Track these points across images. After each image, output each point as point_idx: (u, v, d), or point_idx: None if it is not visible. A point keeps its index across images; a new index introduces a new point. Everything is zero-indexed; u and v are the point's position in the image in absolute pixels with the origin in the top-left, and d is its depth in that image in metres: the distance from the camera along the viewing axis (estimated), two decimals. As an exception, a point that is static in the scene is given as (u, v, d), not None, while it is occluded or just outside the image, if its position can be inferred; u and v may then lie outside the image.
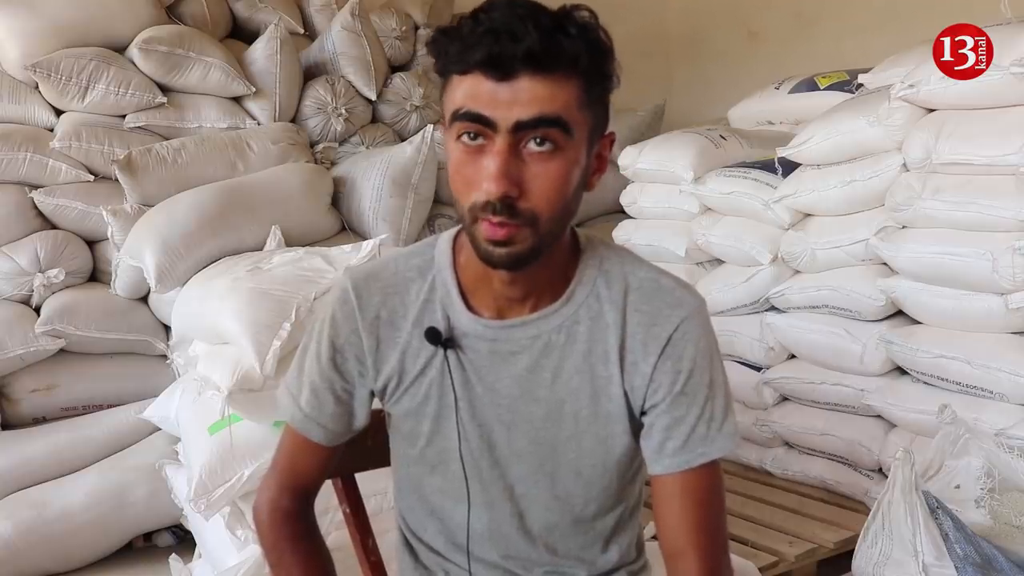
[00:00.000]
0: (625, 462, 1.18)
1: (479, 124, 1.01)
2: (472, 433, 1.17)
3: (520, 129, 1.01)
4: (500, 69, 0.99)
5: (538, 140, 1.01)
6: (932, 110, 2.35)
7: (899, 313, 2.49)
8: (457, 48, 1.01)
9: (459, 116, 1.02)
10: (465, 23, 1.02)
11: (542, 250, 1.06)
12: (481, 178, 1.02)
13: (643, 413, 1.15)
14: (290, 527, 1.25)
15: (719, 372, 1.15)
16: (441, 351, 1.15)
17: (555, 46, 0.99)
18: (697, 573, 1.12)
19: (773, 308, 2.78)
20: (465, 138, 1.03)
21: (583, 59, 1.01)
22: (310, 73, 3.46)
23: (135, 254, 2.72)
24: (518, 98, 1.00)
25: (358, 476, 1.40)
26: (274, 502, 1.25)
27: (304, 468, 1.26)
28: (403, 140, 3.34)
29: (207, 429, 2.15)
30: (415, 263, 1.18)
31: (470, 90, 1.01)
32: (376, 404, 1.23)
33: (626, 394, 1.14)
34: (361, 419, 1.23)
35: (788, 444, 2.78)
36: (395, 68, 3.62)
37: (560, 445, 1.16)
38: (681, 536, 1.13)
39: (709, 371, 1.14)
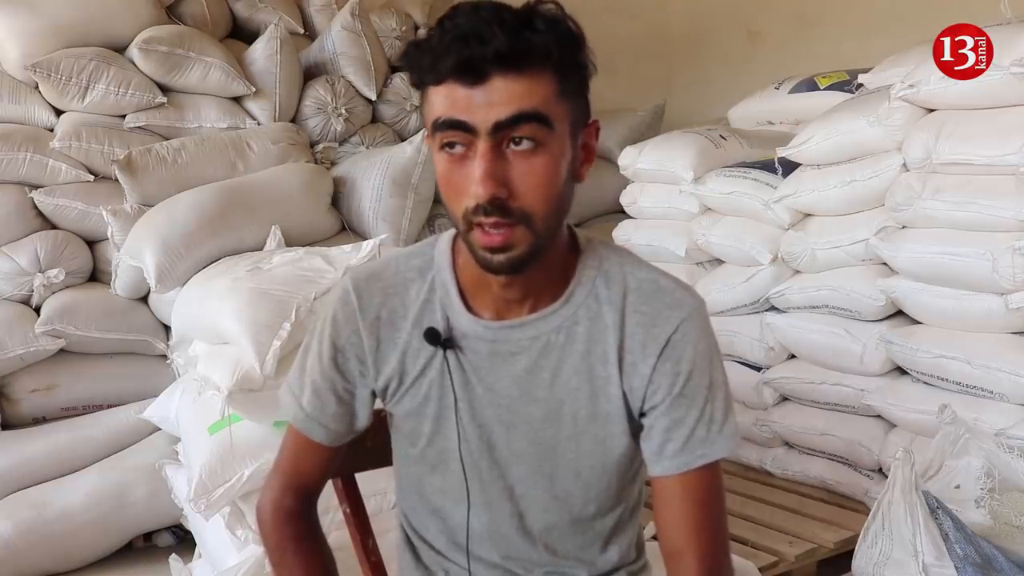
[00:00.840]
0: (624, 463, 1.18)
1: (459, 130, 1.02)
2: (472, 433, 1.17)
3: (500, 129, 1.01)
4: (472, 73, 1.00)
5: (519, 138, 1.02)
6: (932, 110, 2.35)
7: (899, 313, 2.49)
8: (428, 59, 1.02)
9: (439, 125, 1.03)
10: (433, 33, 1.02)
11: (541, 250, 1.06)
12: (469, 183, 1.02)
13: (642, 415, 1.15)
14: (293, 527, 1.25)
15: (719, 373, 1.15)
16: (441, 351, 1.15)
17: (523, 43, 1.00)
18: (696, 574, 1.12)
19: (773, 308, 2.78)
20: (448, 145, 1.03)
21: (554, 52, 1.01)
22: (310, 73, 3.46)
23: (135, 254, 2.72)
24: (493, 99, 1.00)
25: (358, 476, 1.41)
26: (277, 502, 1.26)
27: (306, 468, 1.26)
28: (403, 140, 3.34)
29: (207, 429, 2.15)
30: (415, 263, 1.19)
31: (446, 98, 1.02)
32: (377, 404, 1.23)
33: (624, 395, 1.14)
34: (363, 419, 1.23)
35: (788, 444, 2.78)
36: (395, 68, 3.62)
37: (559, 446, 1.16)
38: (681, 537, 1.13)
39: (709, 372, 1.14)
